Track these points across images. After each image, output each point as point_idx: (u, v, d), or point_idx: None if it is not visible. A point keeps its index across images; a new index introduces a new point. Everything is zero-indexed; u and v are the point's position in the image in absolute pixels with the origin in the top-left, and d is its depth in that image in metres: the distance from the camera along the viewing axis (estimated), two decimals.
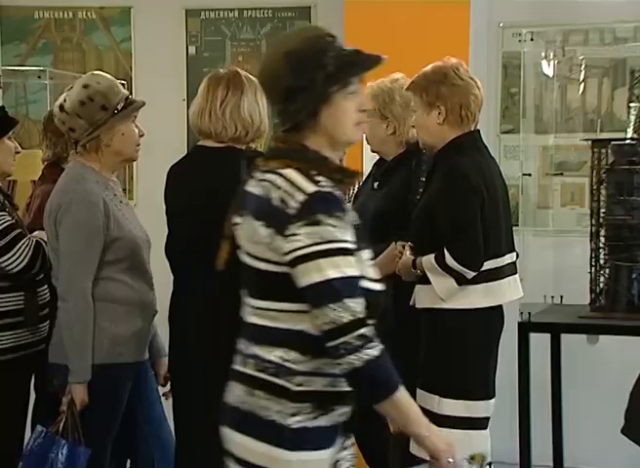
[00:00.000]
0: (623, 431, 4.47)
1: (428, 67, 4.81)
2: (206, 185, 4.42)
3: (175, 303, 4.51)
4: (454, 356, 4.70)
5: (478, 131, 4.87)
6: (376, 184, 5.41)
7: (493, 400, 4.80)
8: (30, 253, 4.75)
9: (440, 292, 4.71)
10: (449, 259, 4.66)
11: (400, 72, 5.37)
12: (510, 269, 4.83)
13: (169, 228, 4.52)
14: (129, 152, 4.72)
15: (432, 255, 4.70)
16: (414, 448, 4.64)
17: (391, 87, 5.31)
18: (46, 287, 4.91)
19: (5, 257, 4.71)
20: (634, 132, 5.92)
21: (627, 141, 5.88)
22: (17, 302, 4.82)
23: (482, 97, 4.82)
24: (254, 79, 4.49)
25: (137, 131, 4.68)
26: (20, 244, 4.74)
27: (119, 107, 4.61)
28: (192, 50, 7.63)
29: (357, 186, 5.88)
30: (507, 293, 4.82)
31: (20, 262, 4.73)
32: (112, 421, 4.64)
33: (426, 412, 4.62)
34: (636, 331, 5.33)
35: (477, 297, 4.72)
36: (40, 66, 7.62)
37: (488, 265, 4.71)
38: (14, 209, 4.94)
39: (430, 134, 4.83)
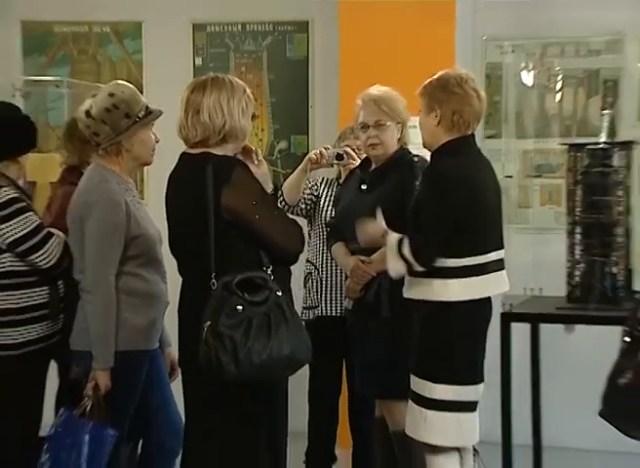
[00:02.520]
0: (603, 415, 4.49)
1: (437, 74, 4.86)
2: (180, 191, 4.44)
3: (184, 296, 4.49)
4: (440, 345, 4.72)
5: (472, 136, 4.87)
6: (364, 186, 5.39)
7: (481, 385, 4.80)
8: (60, 251, 4.76)
9: (391, 271, 4.75)
10: (405, 248, 4.67)
11: (391, 81, 5.46)
12: (497, 265, 4.82)
13: (168, 229, 4.53)
14: (146, 157, 4.77)
15: (398, 237, 4.71)
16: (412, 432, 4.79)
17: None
18: (62, 281, 4.90)
19: (37, 255, 4.71)
20: (607, 137, 5.93)
21: (601, 146, 5.87)
22: (42, 296, 4.82)
23: (481, 107, 4.84)
24: (227, 82, 4.46)
25: (153, 137, 4.72)
26: (51, 242, 4.74)
27: (140, 115, 4.65)
28: (199, 61, 7.68)
29: (330, 188, 6.01)
30: (491, 288, 4.83)
31: (51, 259, 4.73)
32: (129, 405, 4.67)
33: (420, 397, 4.69)
34: (609, 321, 5.35)
35: (459, 291, 4.71)
36: (58, 77, 7.66)
37: (470, 261, 4.71)
38: (32, 206, 4.94)
39: (428, 134, 4.88)
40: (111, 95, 4.65)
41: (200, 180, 4.28)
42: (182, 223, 4.42)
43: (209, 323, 4.14)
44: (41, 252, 4.72)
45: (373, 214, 4.99)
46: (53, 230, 4.84)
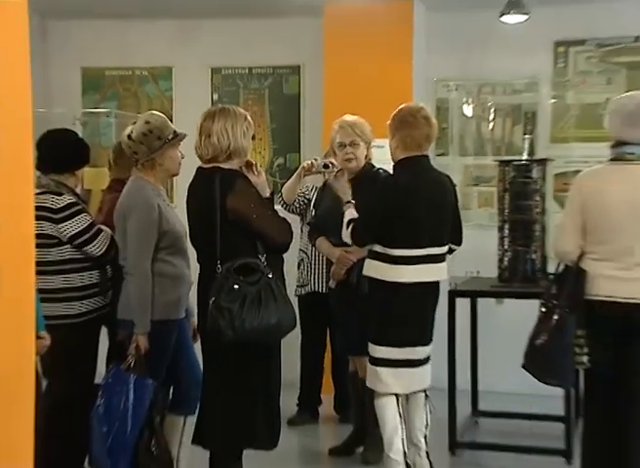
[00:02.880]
0: (524, 366, 4.45)
1: (398, 108, 4.89)
2: (196, 197, 4.44)
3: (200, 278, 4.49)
4: (379, 314, 4.79)
5: (423, 155, 4.85)
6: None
7: (416, 347, 4.81)
8: (108, 243, 4.78)
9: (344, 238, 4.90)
10: (348, 230, 4.83)
11: (364, 112, 5.48)
12: (429, 258, 4.79)
13: (188, 226, 4.56)
14: (174, 170, 4.75)
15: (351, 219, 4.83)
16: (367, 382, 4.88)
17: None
18: (109, 266, 4.90)
19: (90, 246, 4.73)
20: (527, 155, 6.00)
21: (523, 162, 5.99)
22: (94, 278, 4.84)
23: (431, 132, 4.81)
24: (229, 112, 4.45)
25: (179, 154, 4.70)
26: (100, 236, 4.75)
27: (169, 138, 4.61)
28: (215, 96, 7.67)
29: (311, 196, 5.97)
30: (421, 276, 4.76)
31: (101, 249, 4.75)
32: (163, 361, 4.66)
33: (369, 356, 4.84)
34: (529, 296, 5.34)
35: (387, 273, 4.74)
36: (108, 109, 7.64)
37: (405, 253, 4.72)
38: (86, 208, 4.93)
39: (391, 153, 4.88)
40: (147, 122, 4.63)
41: (210, 189, 4.29)
42: (197, 222, 4.44)
43: (213, 299, 4.17)
44: (93, 244, 4.73)
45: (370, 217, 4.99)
46: (102, 227, 4.83)
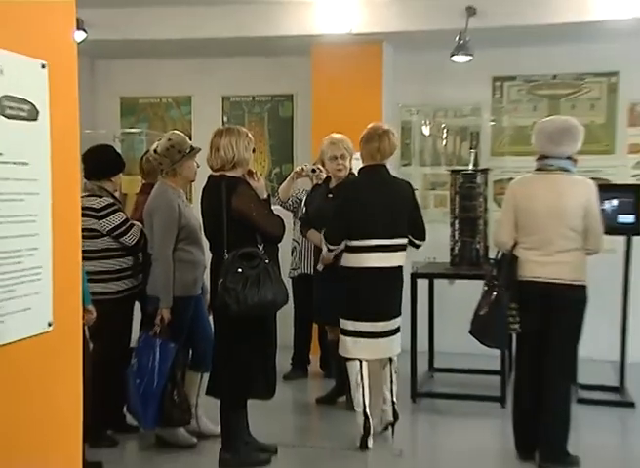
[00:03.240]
0: (470, 332, 4.53)
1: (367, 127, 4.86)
2: (207, 199, 4.40)
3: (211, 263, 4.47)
4: (347, 294, 4.74)
5: (378, 164, 4.74)
6: (330, 195, 5.31)
7: (378, 322, 4.72)
8: (138, 235, 4.77)
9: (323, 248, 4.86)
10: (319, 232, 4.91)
11: (344, 131, 5.45)
12: (383, 248, 4.68)
13: (202, 222, 4.54)
14: (192, 177, 4.78)
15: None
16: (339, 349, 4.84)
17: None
18: (140, 253, 4.89)
19: (124, 237, 4.74)
20: (473, 166, 6.00)
21: (469, 171, 5.98)
22: (128, 263, 4.83)
23: (381, 147, 4.68)
24: (234, 130, 4.42)
25: (195, 164, 4.71)
26: (133, 229, 4.76)
27: (187, 151, 4.64)
28: (225, 119, 7.60)
29: (302, 196, 5.87)
30: (372, 262, 4.68)
31: (133, 240, 4.75)
32: (183, 329, 4.68)
33: (340, 327, 4.78)
34: (474, 277, 5.34)
35: (350, 261, 4.71)
36: (141, 129, 7.65)
37: (359, 243, 4.67)
38: (122, 209, 4.93)
39: (362, 163, 4.81)
40: (169, 139, 4.66)
41: (218, 192, 4.29)
42: (209, 218, 4.42)
43: (221, 280, 4.17)
44: (126, 236, 4.74)
45: (339, 214, 4.92)
46: (134, 222, 4.84)
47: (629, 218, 5.62)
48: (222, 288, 4.19)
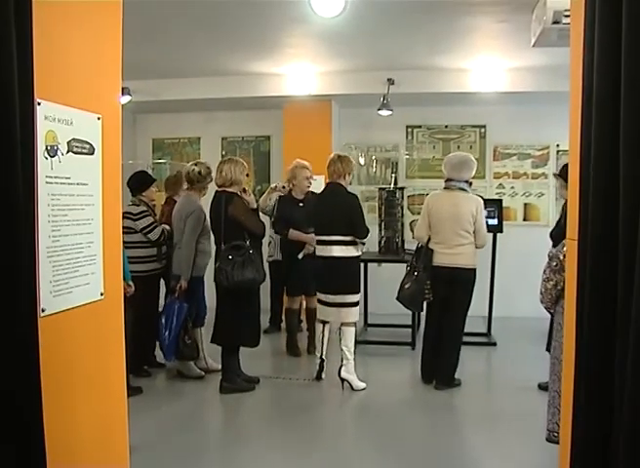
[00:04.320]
0: (397, 299, 4.54)
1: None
2: (212, 207, 4.35)
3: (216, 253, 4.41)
4: (349, 276, 4.47)
5: (332, 182, 4.51)
6: (301, 204, 5.24)
7: (328, 295, 4.47)
8: (160, 232, 4.69)
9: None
10: None
11: (306, 159, 5.38)
12: (326, 242, 4.43)
13: (210, 223, 4.47)
14: (206, 192, 4.75)
15: None
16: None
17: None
18: (164, 245, 4.79)
19: (150, 234, 4.66)
20: (393, 185, 6.09)
21: (391, 189, 6.02)
22: (153, 252, 4.73)
23: (339, 170, 4.46)
24: (234, 160, 4.36)
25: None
26: (156, 229, 4.68)
27: (212, 176, 4.61)
28: (223, 153, 7.47)
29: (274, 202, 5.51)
30: (319, 252, 4.49)
31: (157, 236, 4.68)
32: (196, 295, 4.65)
33: (343, 303, 4.45)
34: (396, 261, 5.42)
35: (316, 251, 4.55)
36: (165, 160, 7.57)
37: (317, 238, 4.52)
38: (154, 214, 4.85)
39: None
40: (207, 167, 4.69)
41: (219, 203, 4.28)
42: (212, 221, 4.39)
43: (218, 264, 4.18)
44: (151, 234, 4.67)
45: (308, 218, 4.95)
46: (160, 224, 4.78)
47: (494, 221, 5.72)
48: (218, 269, 4.18)
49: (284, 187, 5.41)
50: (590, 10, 1.73)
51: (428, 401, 4.34)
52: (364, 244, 4.55)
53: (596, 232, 1.67)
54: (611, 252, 1.60)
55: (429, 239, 4.49)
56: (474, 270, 4.45)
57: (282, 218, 5.28)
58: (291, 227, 5.24)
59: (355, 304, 4.47)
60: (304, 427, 3.88)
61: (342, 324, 4.50)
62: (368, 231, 4.45)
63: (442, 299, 4.44)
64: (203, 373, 4.79)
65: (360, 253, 4.51)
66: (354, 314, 4.49)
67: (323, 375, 4.70)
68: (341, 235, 4.41)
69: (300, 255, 5.22)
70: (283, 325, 6.22)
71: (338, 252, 4.42)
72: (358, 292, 4.50)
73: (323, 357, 4.68)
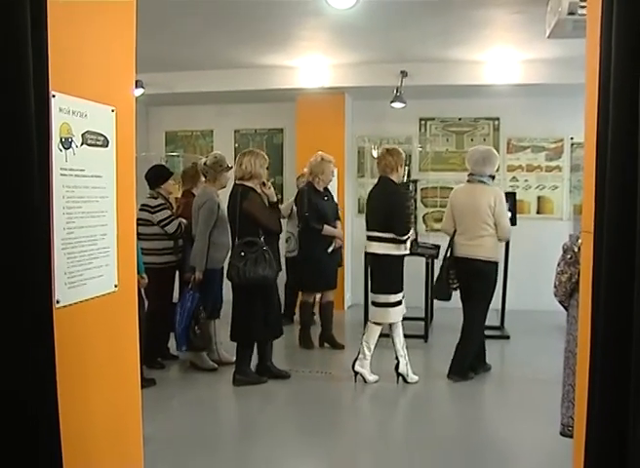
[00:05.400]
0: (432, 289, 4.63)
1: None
2: (230, 201, 4.33)
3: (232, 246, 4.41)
4: (381, 275, 4.30)
5: (381, 176, 4.40)
6: (325, 197, 5.20)
7: (401, 292, 4.29)
8: (177, 226, 4.70)
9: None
10: None
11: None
12: (373, 238, 4.28)
13: (227, 216, 4.46)
14: (225, 184, 4.67)
15: None
16: None
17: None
18: (180, 238, 4.79)
19: (167, 227, 4.67)
20: (407, 177, 6.07)
21: (404, 181, 5.81)
22: (169, 244, 4.75)
23: (384, 165, 4.33)
24: (255, 152, 4.32)
25: (228, 175, 4.62)
26: (173, 222, 4.69)
27: (225, 167, 4.59)
28: (236, 146, 7.51)
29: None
30: (370, 249, 4.33)
31: (174, 230, 4.69)
32: (211, 287, 4.60)
33: (376, 302, 4.30)
34: (409, 254, 5.33)
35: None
36: (178, 153, 7.58)
37: (366, 233, 4.39)
38: (171, 208, 4.86)
39: None
40: (215, 156, 4.65)
41: (235, 197, 4.27)
42: (229, 214, 4.38)
43: (230, 260, 4.19)
44: (168, 226, 4.68)
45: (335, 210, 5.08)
46: (177, 218, 4.77)
47: (508, 214, 5.66)
48: (230, 265, 4.18)
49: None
50: (607, 0, 1.69)
51: (442, 393, 4.35)
52: (404, 242, 4.22)
53: (612, 225, 1.65)
54: (627, 244, 1.57)
55: (455, 231, 4.50)
56: (495, 263, 4.44)
57: (317, 212, 5.10)
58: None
59: (381, 305, 4.27)
60: (319, 418, 3.89)
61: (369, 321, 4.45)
62: (407, 229, 4.23)
63: (464, 290, 4.50)
64: (216, 366, 4.80)
65: (402, 253, 4.23)
66: (381, 315, 4.29)
67: (399, 374, 4.48)
68: (379, 231, 4.25)
69: (330, 249, 5.14)
70: (295, 317, 6.21)
71: (375, 248, 4.27)
72: (388, 292, 4.23)
73: (396, 358, 4.48)
